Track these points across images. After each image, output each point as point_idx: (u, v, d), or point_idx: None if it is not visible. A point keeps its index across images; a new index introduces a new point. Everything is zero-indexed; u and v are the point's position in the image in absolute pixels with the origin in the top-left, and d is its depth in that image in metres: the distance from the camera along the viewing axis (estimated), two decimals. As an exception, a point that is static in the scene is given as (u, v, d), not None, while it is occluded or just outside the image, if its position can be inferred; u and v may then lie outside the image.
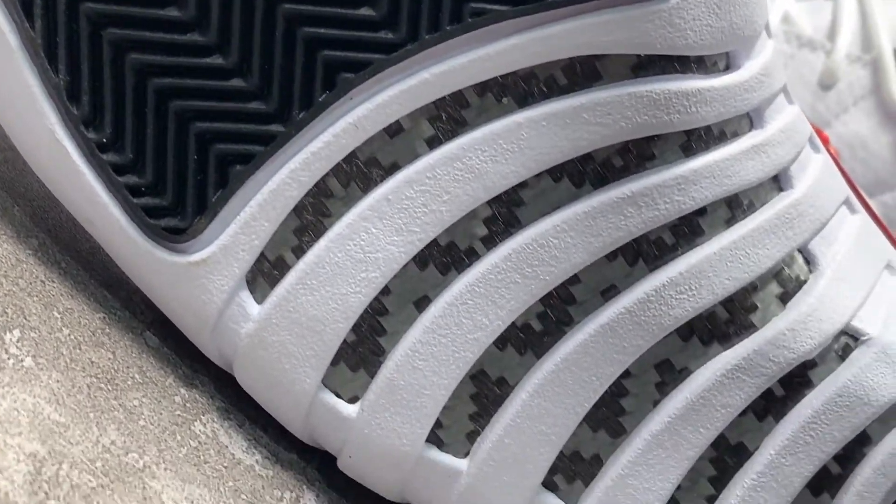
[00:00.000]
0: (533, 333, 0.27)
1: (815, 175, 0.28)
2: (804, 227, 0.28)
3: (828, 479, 0.28)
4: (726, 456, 0.28)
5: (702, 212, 0.27)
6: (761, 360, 0.27)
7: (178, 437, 0.26)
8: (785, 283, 0.27)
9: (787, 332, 0.27)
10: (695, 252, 0.27)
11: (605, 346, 0.27)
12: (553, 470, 0.28)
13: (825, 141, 0.44)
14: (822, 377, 0.27)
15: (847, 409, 0.27)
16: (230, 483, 0.26)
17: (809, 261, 0.28)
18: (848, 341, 0.28)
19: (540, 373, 0.27)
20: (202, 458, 0.26)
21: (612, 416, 0.27)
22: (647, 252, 0.27)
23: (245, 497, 0.26)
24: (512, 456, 0.27)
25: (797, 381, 0.27)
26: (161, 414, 0.26)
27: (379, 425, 0.27)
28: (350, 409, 0.27)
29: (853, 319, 0.28)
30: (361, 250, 0.26)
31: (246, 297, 0.27)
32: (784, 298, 0.27)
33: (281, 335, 0.27)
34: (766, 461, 0.27)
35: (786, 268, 0.27)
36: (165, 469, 0.24)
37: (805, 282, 0.28)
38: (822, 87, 0.46)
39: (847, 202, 0.29)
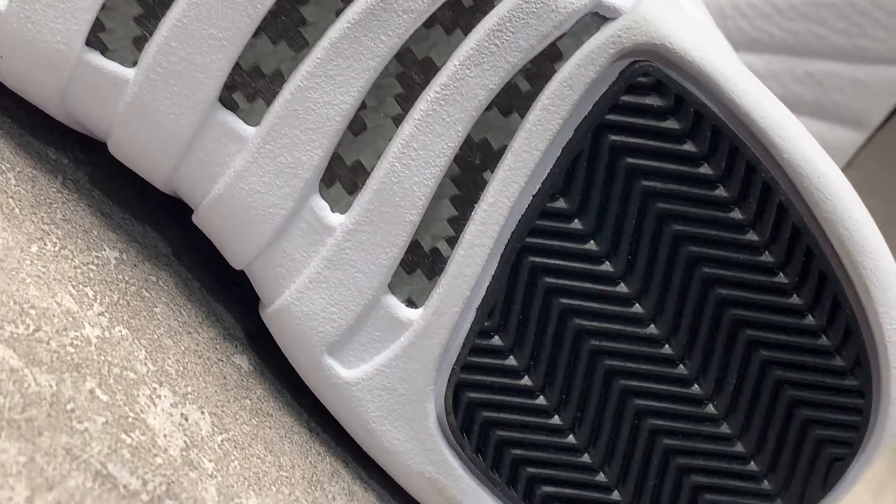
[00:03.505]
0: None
1: None
2: None
3: (518, 98, 0.26)
4: (413, 72, 0.26)
5: None
6: (445, -39, 0.26)
7: None
8: None
9: (473, -68, 0.26)
10: None
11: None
12: (232, 87, 0.26)
13: None
14: (512, -13, 0.26)
15: (533, 15, 0.26)
16: None
17: None
18: (542, -48, 0.26)
19: (205, -33, 0.25)
20: None
21: (292, 26, 0.26)
22: None
23: None
24: (181, 62, 0.26)
25: (486, -10, 0.26)
26: None
27: (29, 19, 0.26)
28: (-2, 1, 0.26)
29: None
30: None
31: None
32: None
33: None
34: (451, 73, 0.26)
35: None
36: None
37: None
38: None
39: None
